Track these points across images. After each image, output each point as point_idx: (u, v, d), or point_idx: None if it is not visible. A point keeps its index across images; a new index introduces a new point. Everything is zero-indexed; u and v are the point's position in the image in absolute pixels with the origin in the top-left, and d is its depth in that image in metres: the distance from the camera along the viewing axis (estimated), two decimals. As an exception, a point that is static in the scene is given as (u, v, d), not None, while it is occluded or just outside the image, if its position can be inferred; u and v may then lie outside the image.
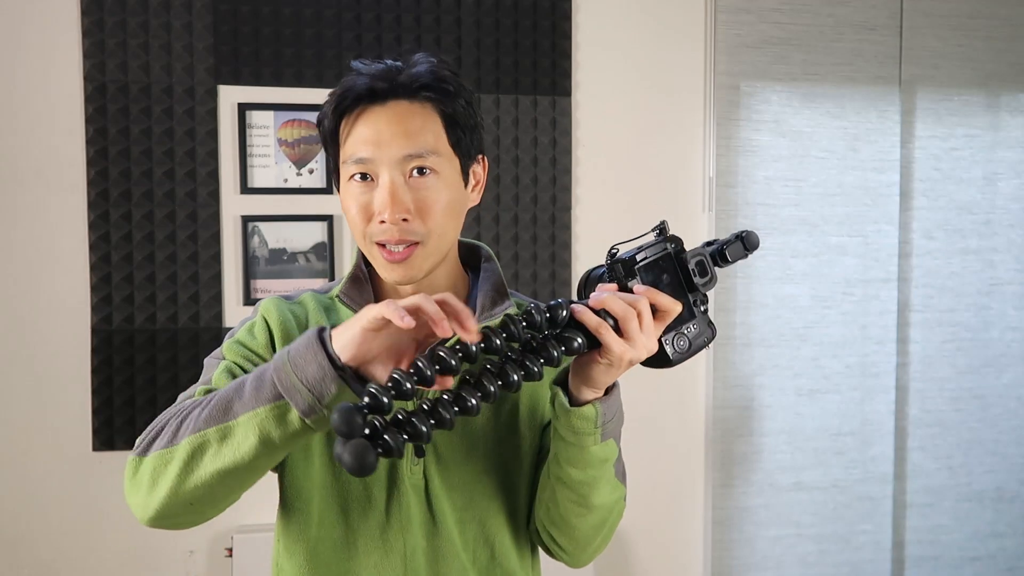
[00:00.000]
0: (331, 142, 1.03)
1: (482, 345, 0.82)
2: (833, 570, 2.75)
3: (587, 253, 2.55)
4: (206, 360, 1.05)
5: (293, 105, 2.39)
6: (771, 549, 2.71)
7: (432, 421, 0.78)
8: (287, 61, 2.38)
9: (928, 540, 2.83)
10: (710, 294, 0.97)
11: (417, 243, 0.98)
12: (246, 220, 2.37)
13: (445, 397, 0.81)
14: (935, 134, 2.76)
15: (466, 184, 1.05)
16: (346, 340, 0.80)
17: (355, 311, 1.02)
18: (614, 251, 0.93)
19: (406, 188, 0.98)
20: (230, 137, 2.37)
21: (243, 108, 2.36)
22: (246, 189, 2.38)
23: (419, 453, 0.81)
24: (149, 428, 0.91)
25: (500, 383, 0.83)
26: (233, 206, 2.37)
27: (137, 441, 0.91)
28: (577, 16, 2.53)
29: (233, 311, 2.37)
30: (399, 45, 2.43)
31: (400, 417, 0.77)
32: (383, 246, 0.99)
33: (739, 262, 0.98)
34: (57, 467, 2.31)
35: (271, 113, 2.38)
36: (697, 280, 0.93)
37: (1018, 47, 2.78)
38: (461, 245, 1.13)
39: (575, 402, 0.92)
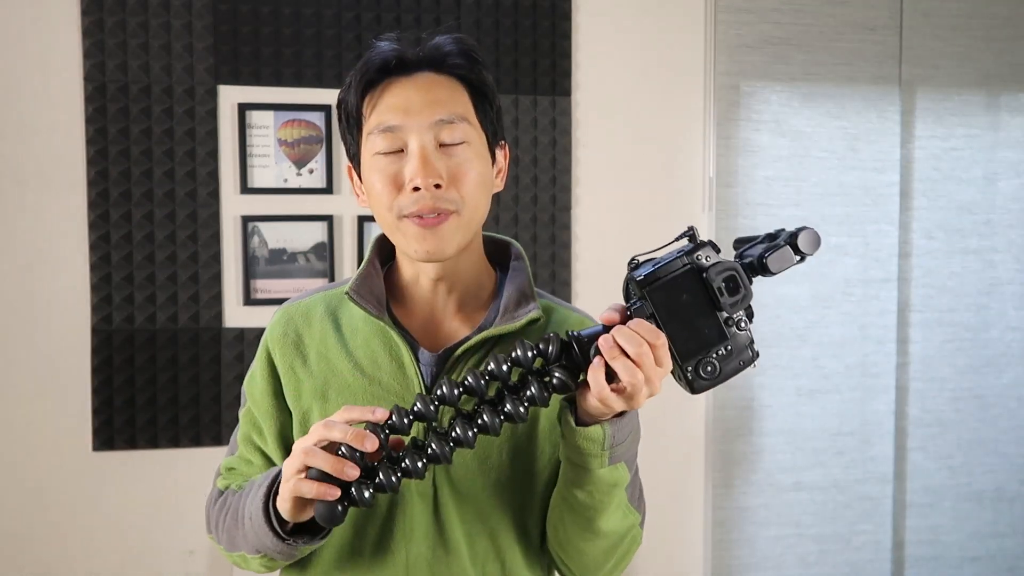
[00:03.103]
0: (353, 120, 0.97)
1: (459, 390, 0.83)
2: (833, 570, 2.75)
3: (587, 253, 2.55)
4: (242, 395, 1.09)
5: (293, 105, 2.38)
6: (771, 549, 2.71)
7: (398, 474, 0.81)
8: (287, 61, 2.38)
9: (928, 540, 2.82)
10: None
11: (452, 212, 0.94)
12: (246, 220, 2.37)
13: (418, 443, 0.83)
14: (935, 134, 2.76)
15: (492, 164, 1.01)
16: (286, 508, 0.87)
17: (364, 308, 0.99)
18: (633, 263, 0.83)
19: (438, 154, 0.93)
20: (230, 137, 2.37)
21: (243, 108, 2.36)
22: (246, 189, 2.38)
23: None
24: (208, 505, 1.06)
25: (476, 429, 0.82)
26: (233, 206, 2.37)
27: (205, 516, 1.07)
28: (577, 16, 2.53)
29: (233, 311, 2.37)
30: (399, 45, 2.43)
31: (369, 465, 0.82)
32: (414, 217, 0.93)
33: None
34: (57, 467, 2.31)
35: (271, 113, 2.38)
36: (724, 299, 0.79)
37: (1018, 47, 2.78)
38: (491, 240, 1.08)
39: (583, 421, 0.85)
